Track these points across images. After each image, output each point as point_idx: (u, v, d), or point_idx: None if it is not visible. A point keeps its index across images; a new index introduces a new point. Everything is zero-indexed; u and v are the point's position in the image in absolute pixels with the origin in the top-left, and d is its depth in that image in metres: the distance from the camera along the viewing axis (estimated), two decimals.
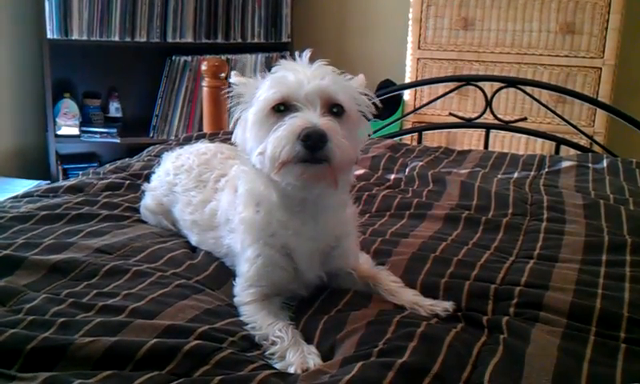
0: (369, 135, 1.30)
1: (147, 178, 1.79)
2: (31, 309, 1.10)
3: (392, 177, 1.99)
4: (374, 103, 1.22)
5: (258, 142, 1.12)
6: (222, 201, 1.37)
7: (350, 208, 1.30)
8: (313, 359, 1.03)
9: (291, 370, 1.01)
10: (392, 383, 0.90)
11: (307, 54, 1.18)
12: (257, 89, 1.17)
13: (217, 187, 1.42)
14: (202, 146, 1.60)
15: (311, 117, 1.07)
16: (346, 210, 1.27)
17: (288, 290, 1.22)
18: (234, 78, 1.23)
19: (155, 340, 1.00)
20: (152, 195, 1.59)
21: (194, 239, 1.46)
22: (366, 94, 1.21)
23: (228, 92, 1.23)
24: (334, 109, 1.12)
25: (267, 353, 1.07)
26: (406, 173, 2.03)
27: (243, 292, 1.21)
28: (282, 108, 1.10)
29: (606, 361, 1.00)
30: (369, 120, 1.23)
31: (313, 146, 1.04)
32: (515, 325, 1.08)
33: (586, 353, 1.01)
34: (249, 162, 1.19)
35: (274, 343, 1.07)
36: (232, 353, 1.01)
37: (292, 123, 1.06)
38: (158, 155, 2.08)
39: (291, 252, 1.20)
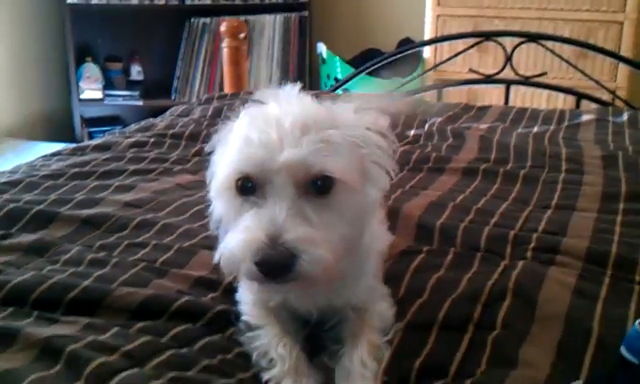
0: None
1: (172, 137, 1.84)
2: (68, 260, 1.16)
3: (411, 133, 2.01)
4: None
5: (226, 221, 0.90)
6: None
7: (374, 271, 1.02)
8: None
9: None
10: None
11: (296, 88, 0.94)
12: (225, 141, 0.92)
13: None
14: None
15: (276, 218, 0.80)
16: (367, 279, 0.99)
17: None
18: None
19: (187, 298, 1.02)
20: None
21: None
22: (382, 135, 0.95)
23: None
24: (319, 182, 0.84)
25: (263, 376, 0.87)
26: (426, 128, 2.05)
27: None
28: (249, 184, 0.85)
29: (619, 300, 1.03)
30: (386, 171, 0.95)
31: (268, 275, 0.80)
32: (531, 267, 1.11)
33: (600, 293, 1.04)
34: None
35: (272, 361, 0.88)
36: None
37: (248, 228, 0.81)
38: (182, 115, 2.12)
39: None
